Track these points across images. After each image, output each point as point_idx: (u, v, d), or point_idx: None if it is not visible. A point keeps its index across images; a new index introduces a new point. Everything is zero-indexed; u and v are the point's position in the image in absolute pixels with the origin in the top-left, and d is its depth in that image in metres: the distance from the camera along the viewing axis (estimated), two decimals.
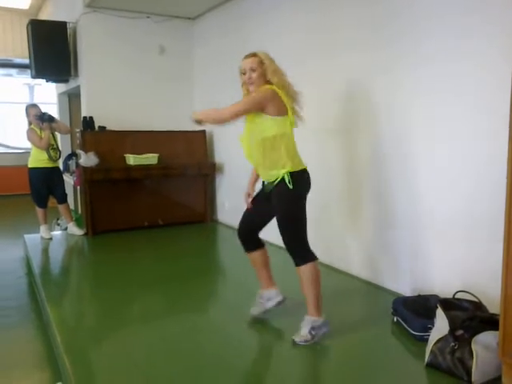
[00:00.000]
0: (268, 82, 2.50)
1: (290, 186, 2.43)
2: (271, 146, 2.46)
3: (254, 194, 2.77)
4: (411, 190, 3.08)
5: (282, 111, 2.46)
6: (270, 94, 2.44)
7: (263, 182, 2.65)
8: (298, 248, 2.51)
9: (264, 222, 2.70)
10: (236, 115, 2.41)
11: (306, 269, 2.47)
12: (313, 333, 2.47)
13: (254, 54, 2.53)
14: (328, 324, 2.53)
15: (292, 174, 2.45)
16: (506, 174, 1.91)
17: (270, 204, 2.56)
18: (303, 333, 2.48)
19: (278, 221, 2.52)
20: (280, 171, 2.46)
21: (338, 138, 3.75)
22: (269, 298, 2.79)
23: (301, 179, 2.50)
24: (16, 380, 2.60)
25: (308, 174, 2.56)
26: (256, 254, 2.74)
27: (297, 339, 2.48)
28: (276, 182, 2.47)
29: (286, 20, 4.22)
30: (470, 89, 2.67)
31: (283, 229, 2.50)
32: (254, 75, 2.49)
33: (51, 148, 4.88)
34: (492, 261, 2.32)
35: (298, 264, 2.50)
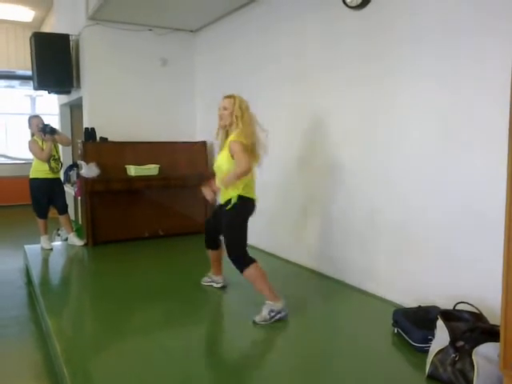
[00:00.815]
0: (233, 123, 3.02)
1: (234, 203, 2.97)
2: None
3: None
4: (399, 196, 3.10)
5: None
6: (243, 143, 2.93)
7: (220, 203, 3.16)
8: (237, 257, 2.98)
9: (220, 231, 3.24)
10: (250, 165, 2.94)
11: (249, 272, 2.95)
12: (271, 314, 2.91)
13: (229, 96, 3.09)
14: (286, 310, 2.96)
15: (240, 198, 2.97)
16: (506, 182, 1.91)
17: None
18: (263, 314, 2.90)
19: (224, 231, 3.08)
20: (232, 193, 2.98)
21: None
22: (214, 281, 3.61)
23: (245, 204, 3.01)
24: None
25: (253, 203, 3.07)
26: (214, 252, 3.49)
27: (256, 319, 2.89)
28: (228, 202, 3.00)
29: (287, 32, 4.27)
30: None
31: (225, 240, 3.06)
32: (226, 113, 3.05)
33: (53, 159, 4.89)
34: (492, 271, 2.32)
35: (241, 271, 2.96)
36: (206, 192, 3.20)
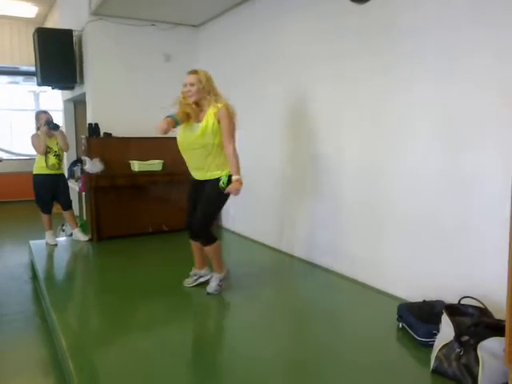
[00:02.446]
0: (205, 97, 3.06)
1: (225, 183, 3.07)
2: (216, 151, 3.07)
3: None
4: (405, 190, 3.09)
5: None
6: (231, 111, 3.07)
7: (195, 180, 3.25)
8: (207, 230, 3.18)
9: None
10: (234, 145, 3.08)
11: (211, 248, 3.23)
12: (220, 283, 3.31)
13: (195, 72, 3.09)
14: (229, 272, 3.44)
15: (229, 177, 3.08)
16: None
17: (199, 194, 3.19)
18: (213, 285, 3.29)
19: (202, 203, 3.14)
20: (223, 172, 3.10)
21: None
22: (201, 275, 3.50)
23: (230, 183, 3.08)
24: None
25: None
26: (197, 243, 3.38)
27: (209, 290, 3.27)
28: (218, 181, 3.07)
29: (290, 26, 4.25)
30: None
31: (204, 210, 3.13)
32: (193, 89, 3.04)
33: (54, 155, 4.90)
34: (497, 266, 2.32)
35: (205, 244, 3.21)
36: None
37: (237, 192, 3.04)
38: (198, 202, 3.20)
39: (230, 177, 3.07)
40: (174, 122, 3.03)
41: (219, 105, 3.04)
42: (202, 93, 3.05)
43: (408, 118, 3.09)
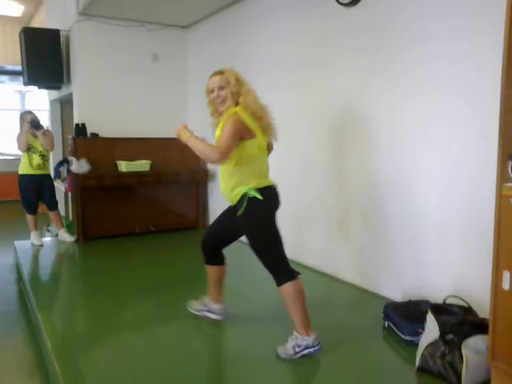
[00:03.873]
0: (236, 102, 2.45)
1: (259, 197, 2.37)
2: (237, 168, 2.42)
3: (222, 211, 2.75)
4: (403, 196, 3.12)
5: (249, 135, 2.40)
6: (239, 119, 2.36)
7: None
8: (275, 269, 2.45)
9: (229, 241, 2.72)
10: (226, 155, 2.32)
11: (286, 289, 2.41)
12: (296, 349, 2.40)
13: (221, 72, 2.49)
14: (318, 346, 2.41)
15: (254, 192, 2.40)
16: (496, 179, 1.94)
17: (236, 224, 2.51)
18: (287, 347, 2.42)
19: (250, 245, 2.47)
20: (244, 188, 2.41)
21: (328, 145, 3.81)
22: (210, 310, 2.87)
23: (263, 198, 2.39)
24: None
25: (274, 189, 2.51)
26: (214, 269, 2.78)
27: (280, 351, 2.42)
28: (242, 203, 2.40)
29: (280, 28, 4.26)
30: (461, 90, 2.72)
31: (256, 252, 2.46)
32: (223, 93, 2.45)
33: (39, 155, 4.85)
34: (482, 265, 2.35)
35: (277, 284, 2.44)
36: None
37: (177, 132, 2.50)
38: (229, 228, 2.65)
39: (254, 192, 2.40)
40: None
41: (230, 110, 2.43)
42: (234, 97, 2.44)
43: None
